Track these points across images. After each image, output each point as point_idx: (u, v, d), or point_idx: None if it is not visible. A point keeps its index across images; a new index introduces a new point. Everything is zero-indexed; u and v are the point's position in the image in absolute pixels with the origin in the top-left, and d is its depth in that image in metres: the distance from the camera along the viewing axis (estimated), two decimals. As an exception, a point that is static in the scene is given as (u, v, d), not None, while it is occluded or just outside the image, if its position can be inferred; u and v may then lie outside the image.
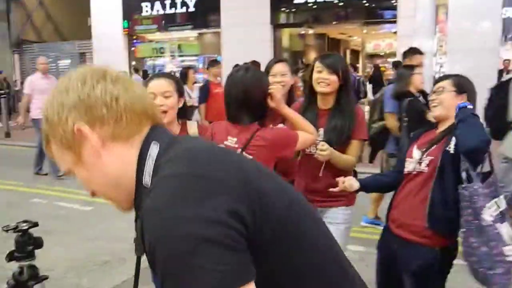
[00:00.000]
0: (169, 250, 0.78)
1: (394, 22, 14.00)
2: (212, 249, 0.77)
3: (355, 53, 21.93)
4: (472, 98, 2.48)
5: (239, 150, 2.31)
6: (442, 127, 2.51)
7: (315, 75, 2.77)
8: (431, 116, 2.70)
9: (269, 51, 15.13)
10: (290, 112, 2.58)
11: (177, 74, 15.21)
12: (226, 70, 15.46)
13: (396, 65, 11.59)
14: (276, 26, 15.61)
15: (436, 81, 2.63)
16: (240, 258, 0.80)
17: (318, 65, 2.77)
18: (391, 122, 4.73)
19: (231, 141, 2.36)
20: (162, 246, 0.79)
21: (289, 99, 3.12)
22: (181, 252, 0.77)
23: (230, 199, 0.82)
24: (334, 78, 2.72)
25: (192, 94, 7.08)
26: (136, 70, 12.70)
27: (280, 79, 3.07)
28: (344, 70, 2.77)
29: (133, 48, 18.44)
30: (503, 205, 2.28)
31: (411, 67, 4.82)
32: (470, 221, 2.22)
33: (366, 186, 2.69)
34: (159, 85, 2.41)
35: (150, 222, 0.81)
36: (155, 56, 18.98)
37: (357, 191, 2.64)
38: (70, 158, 0.97)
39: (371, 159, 5.37)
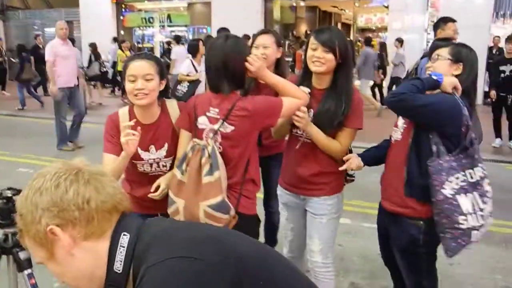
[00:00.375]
0: None
1: (387, -5, 13.89)
2: None
3: (347, 27, 21.79)
4: (469, 68, 2.39)
5: (220, 121, 2.28)
6: None
7: (309, 53, 2.47)
8: None
9: (260, 23, 14.97)
10: (273, 78, 2.42)
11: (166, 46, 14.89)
12: (216, 41, 15.36)
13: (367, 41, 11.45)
14: (268, -3, 15.42)
15: (435, 48, 2.55)
16: None
17: (313, 42, 2.45)
18: None
19: (213, 112, 2.31)
20: None
21: (277, 72, 2.95)
22: None
23: (220, 281, 0.90)
24: (330, 57, 2.41)
25: (199, 68, 6.91)
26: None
27: (262, 51, 2.95)
28: (343, 48, 2.43)
29: (121, 17, 18.13)
30: (476, 176, 2.30)
31: (447, 40, 4.34)
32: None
33: (365, 160, 2.63)
34: (140, 67, 2.27)
35: None
36: (144, 26, 18.70)
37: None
38: (43, 254, 1.01)
39: None
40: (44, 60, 7.56)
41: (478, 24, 11.64)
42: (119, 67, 12.08)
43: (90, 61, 13.06)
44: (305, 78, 2.57)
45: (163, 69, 2.40)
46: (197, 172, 2.22)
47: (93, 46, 13.06)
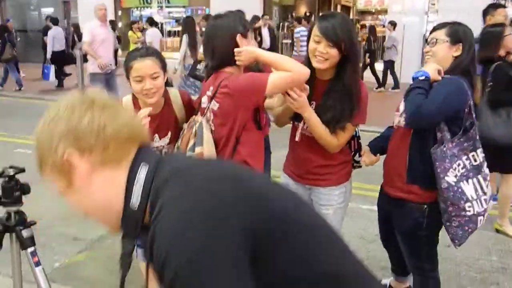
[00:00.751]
0: (179, 266, 0.83)
1: (388, -22, 13.74)
2: (223, 270, 0.83)
3: (346, 9, 21.59)
4: (468, 47, 2.34)
5: (210, 99, 2.29)
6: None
7: (311, 45, 2.27)
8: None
9: (259, 4, 14.83)
10: (264, 55, 2.27)
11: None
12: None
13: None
14: (267, -22, 15.24)
15: (431, 31, 2.49)
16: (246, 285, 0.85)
17: (316, 34, 2.24)
18: (477, 86, 4.01)
19: (209, 92, 2.31)
20: (173, 263, 0.84)
21: None
22: (191, 270, 0.82)
23: (236, 219, 0.87)
24: (334, 52, 2.22)
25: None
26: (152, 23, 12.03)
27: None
28: (348, 40, 2.23)
29: (119, -2, 17.92)
30: (479, 158, 2.30)
31: (499, 26, 4.05)
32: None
33: (372, 151, 2.61)
34: (146, 67, 2.27)
35: (164, 239, 0.86)
36: (142, 7, 18.50)
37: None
38: (62, 183, 1.01)
39: None
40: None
41: (478, 8, 11.54)
42: (131, 48, 11.91)
43: (73, 42, 12.80)
44: (308, 67, 2.28)
45: (165, 62, 2.41)
46: (185, 147, 2.25)
47: (75, 27, 12.84)
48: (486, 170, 2.33)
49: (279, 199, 1.00)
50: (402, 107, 2.45)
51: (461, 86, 2.25)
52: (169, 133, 2.47)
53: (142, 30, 12.12)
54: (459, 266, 3.55)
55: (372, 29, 12.67)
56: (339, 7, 21.80)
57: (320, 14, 2.58)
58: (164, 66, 2.36)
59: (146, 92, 2.27)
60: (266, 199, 0.96)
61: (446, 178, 2.24)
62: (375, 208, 2.82)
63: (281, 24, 16.78)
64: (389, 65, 11.56)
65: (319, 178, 2.50)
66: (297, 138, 2.45)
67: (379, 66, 12.14)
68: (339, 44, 2.20)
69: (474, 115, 2.29)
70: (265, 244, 0.89)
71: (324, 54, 2.22)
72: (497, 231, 4.15)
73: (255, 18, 7.09)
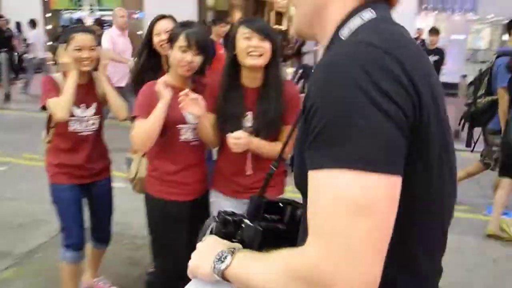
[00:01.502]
0: (335, 98, 0.76)
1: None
2: (380, 117, 0.74)
3: (280, 15, 21.98)
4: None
5: None
6: None
7: (242, 44, 2.21)
8: None
9: (193, 9, 14.79)
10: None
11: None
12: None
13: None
14: (201, -17, 15.21)
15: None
16: (401, 146, 0.77)
17: (245, 31, 2.22)
18: (505, 97, 4.23)
19: None
20: (330, 94, 0.77)
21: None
22: (347, 103, 0.75)
23: (405, 92, 0.78)
24: (268, 46, 2.21)
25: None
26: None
27: (165, 36, 2.64)
28: (276, 37, 2.28)
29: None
30: None
31: None
32: None
33: None
34: (87, 39, 2.70)
35: (325, 72, 0.80)
36: (73, 9, 17.92)
37: None
38: None
39: (469, 140, 4.76)
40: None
41: (404, 17, 12.11)
42: None
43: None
44: (233, 77, 2.32)
45: (99, 41, 2.93)
46: None
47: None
48: None
49: None
50: None
51: None
52: (95, 104, 2.80)
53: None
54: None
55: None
56: (272, 13, 22.17)
57: (243, 19, 2.69)
58: (99, 43, 2.90)
59: (83, 60, 2.65)
60: None
61: None
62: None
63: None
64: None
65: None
66: (248, 172, 2.38)
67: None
68: (271, 36, 2.23)
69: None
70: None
71: (259, 48, 2.20)
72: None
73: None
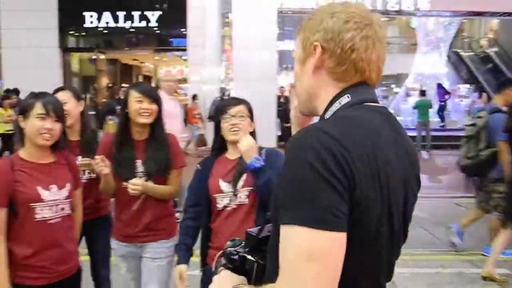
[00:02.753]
0: (294, 176, 1.02)
1: (184, 50, 14.70)
2: (326, 188, 0.99)
3: (148, 79, 22.24)
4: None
5: None
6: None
7: (135, 106, 2.60)
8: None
9: (58, 76, 14.39)
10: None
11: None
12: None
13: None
14: (65, 49, 14.96)
15: (225, 106, 2.46)
16: (343, 209, 1.00)
17: (137, 95, 2.62)
18: (505, 149, 4.71)
19: None
20: (293, 157, 1.05)
21: (83, 126, 3.07)
22: (302, 180, 1.00)
23: (343, 169, 1.01)
24: (155, 107, 2.64)
25: None
26: None
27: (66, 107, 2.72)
28: (159, 98, 2.72)
29: None
30: None
31: None
32: None
33: None
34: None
35: (289, 151, 1.07)
36: None
37: None
38: (299, 55, 1.23)
39: (481, 188, 5.16)
40: None
41: (267, 76, 13.09)
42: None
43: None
44: (124, 132, 2.69)
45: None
46: None
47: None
48: None
49: None
50: None
51: None
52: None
53: (14, 107, 9.77)
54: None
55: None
56: (140, 77, 22.36)
57: (132, 84, 3.06)
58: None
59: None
60: None
61: None
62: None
63: (85, 96, 16.48)
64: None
65: (151, 233, 2.68)
66: (135, 207, 2.66)
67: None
68: (157, 100, 2.68)
69: None
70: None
71: (148, 110, 2.62)
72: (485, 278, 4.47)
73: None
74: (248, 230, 1.34)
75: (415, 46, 19.87)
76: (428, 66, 19.01)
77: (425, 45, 19.20)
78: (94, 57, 15.72)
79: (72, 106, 2.97)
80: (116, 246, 2.80)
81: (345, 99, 1.16)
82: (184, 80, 13.95)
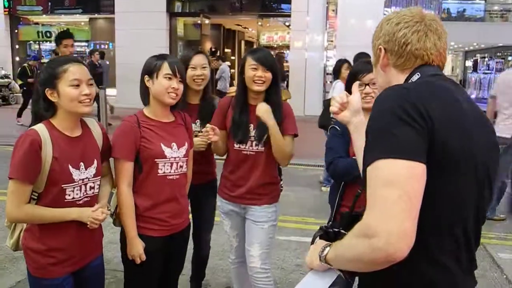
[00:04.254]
0: (378, 111, 1.25)
1: (288, 15, 14.47)
2: (406, 127, 1.16)
3: (250, 44, 22.32)
4: None
5: None
6: None
7: (250, 73, 2.66)
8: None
9: (164, 39, 14.92)
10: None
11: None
12: (119, 58, 14.83)
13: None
14: (172, 14, 15.40)
15: (358, 74, 2.58)
16: (421, 144, 1.16)
17: (252, 62, 2.67)
18: None
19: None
20: (376, 110, 1.26)
21: (204, 93, 3.10)
22: (386, 122, 1.19)
23: (421, 115, 1.19)
24: (269, 75, 2.67)
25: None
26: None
27: (201, 71, 2.97)
28: (276, 66, 2.72)
29: (16, 31, 17.13)
30: None
31: None
32: None
33: None
34: (84, 71, 2.04)
35: (376, 102, 1.29)
36: (41, 40, 17.81)
37: None
38: (373, 61, 1.52)
39: None
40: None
41: (365, 44, 12.51)
42: None
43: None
44: (243, 97, 2.78)
45: None
46: None
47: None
48: None
49: None
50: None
51: None
52: (95, 162, 2.15)
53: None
54: None
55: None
56: (243, 42, 22.50)
57: (250, 49, 3.10)
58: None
59: (84, 98, 2.02)
60: None
61: None
62: (292, 238, 2.94)
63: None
64: (218, 94, 12.02)
65: (255, 197, 2.78)
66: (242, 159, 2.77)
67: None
68: (272, 68, 2.68)
69: None
70: None
71: (262, 78, 2.66)
72: None
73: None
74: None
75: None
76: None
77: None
78: (199, 21, 15.98)
79: (208, 70, 3.07)
80: (221, 203, 2.95)
81: (415, 76, 1.38)
82: (286, 47, 13.79)
